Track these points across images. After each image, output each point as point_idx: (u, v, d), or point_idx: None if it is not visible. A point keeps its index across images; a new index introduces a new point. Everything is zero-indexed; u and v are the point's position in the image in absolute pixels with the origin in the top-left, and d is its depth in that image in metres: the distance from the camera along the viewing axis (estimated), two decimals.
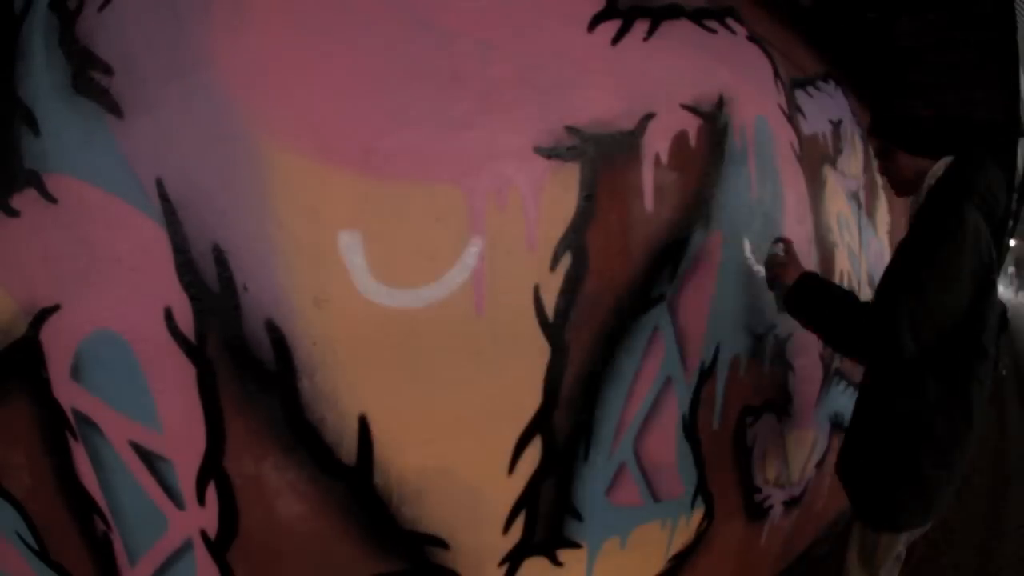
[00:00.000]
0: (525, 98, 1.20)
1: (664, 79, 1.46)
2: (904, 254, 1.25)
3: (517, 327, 1.20)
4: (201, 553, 1.00)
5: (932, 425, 1.27)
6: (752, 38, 1.84)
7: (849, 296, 1.33)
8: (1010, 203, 5.56)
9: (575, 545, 1.36)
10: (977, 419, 1.28)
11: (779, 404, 2.01)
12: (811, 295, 1.38)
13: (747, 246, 1.74)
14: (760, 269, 1.72)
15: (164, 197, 0.93)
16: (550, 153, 1.22)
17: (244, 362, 0.97)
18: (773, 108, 1.93)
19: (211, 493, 0.98)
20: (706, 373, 1.62)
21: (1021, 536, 2.94)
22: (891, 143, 1.44)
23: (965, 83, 3.00)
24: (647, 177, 1.41)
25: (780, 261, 1.51)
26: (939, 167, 1.34)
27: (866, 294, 2.72)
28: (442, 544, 1.16)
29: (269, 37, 0.98)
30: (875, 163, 1.60)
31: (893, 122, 1.44)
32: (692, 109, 1.53)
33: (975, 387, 1.27)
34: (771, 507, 2.05)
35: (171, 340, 0.94)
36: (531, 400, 1.24)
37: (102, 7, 0.93)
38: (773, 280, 1.53)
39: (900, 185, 1.47)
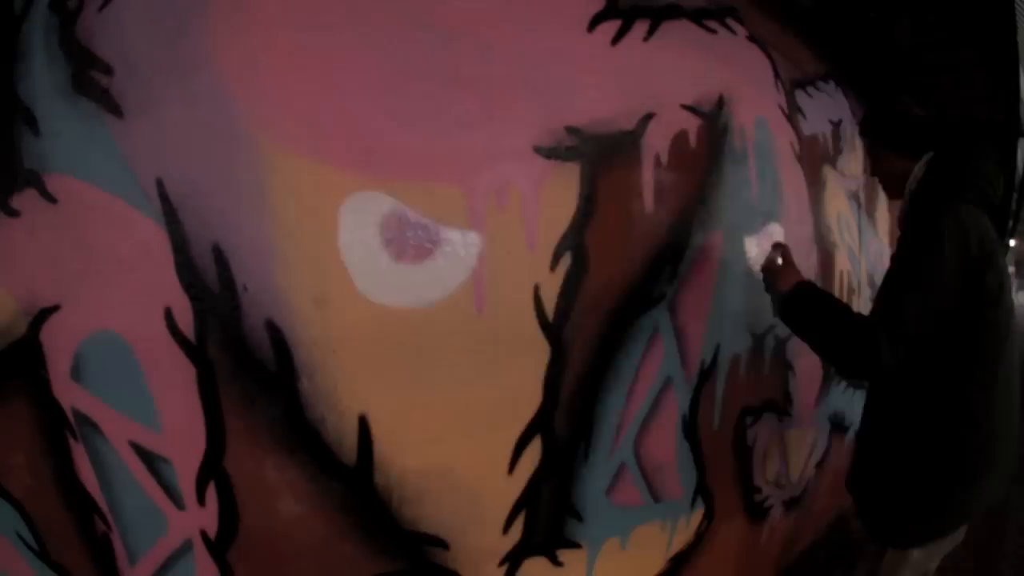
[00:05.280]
0: (525, 98, 1.20)
1: (664, 79, 1.46)
2: (890, 267, 1.22)
3: (517, 327, 1.20)
4: (201, 553, 1.00)
5: (928, 435, 1.21)
6: (752, 38, 1.84)
7: (842, 312, 1.23)
8: (1010, 203, 5.56)
9: (575, 545, 1.36)
10: (992, 422, 1.20)
11: (779, 404, 2.01)
12: (804, 306, 1.29)
13: (747, 246, 1.74)
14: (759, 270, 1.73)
15: (164, 197, 0.93)
16: (550, 153, 1.22)
17: (244, 362, 0.97)
18: (773, 108, 1.93)
19: (211, 493, 0.98)
20: (706, 373, 1.62)
21: (1021, 536, 2.94)
22: (878, 143, 1.41)
23: (965, 83, 3.00)
24: (647, 177, 1.41)
25: (777, 267, 1.42)
26: (919, 168, 1.30)
27: (866, 294, 2.72)
28: (442, 544, 1.16)
29: (269, 37, 0.98)
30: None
31: (880, 121, 1.41)
32: (692, 109, 1.53)
33: (974, 392, 1.19)
34: (771, 507, 2.05)
35: (171, 340, 0.94)
36: (531, 400, 1.24)
37: (102, 7, 0.93)
38: (769, 288, 1.44)
39: (890, 186, 1.44)
